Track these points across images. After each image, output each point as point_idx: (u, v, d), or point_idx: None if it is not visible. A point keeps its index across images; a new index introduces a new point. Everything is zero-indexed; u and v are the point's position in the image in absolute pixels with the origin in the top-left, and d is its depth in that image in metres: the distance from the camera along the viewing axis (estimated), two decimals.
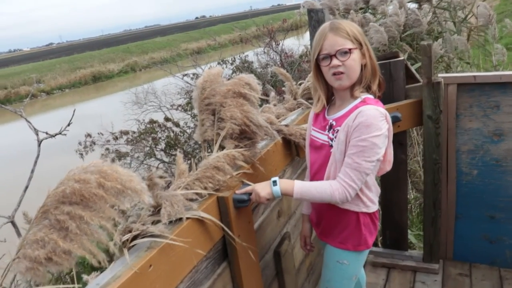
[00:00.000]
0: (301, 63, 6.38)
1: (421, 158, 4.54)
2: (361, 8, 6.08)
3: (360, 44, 1.64)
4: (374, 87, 1.69)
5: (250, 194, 1.59)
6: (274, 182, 1.62)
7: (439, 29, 5.45)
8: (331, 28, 1.63)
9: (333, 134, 1.68)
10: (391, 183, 2.78)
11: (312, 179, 1.83)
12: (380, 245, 3.21)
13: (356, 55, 1.62)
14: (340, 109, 1.70)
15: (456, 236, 2.81)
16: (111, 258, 1.16)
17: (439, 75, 2.50)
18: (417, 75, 2.58)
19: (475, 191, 2.68)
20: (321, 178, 1.72)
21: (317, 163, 1.78)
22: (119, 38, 67.60)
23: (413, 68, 2.70)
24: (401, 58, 2.55)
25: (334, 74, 1.63)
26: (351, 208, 1.71)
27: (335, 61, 1.61)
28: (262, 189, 1.59)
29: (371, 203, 1.74)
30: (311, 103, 2.58)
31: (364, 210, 1.73)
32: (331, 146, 1.68)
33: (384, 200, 2.85)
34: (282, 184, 1.62)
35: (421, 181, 4.46)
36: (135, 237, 1.23)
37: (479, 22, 5.38)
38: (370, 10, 5.90)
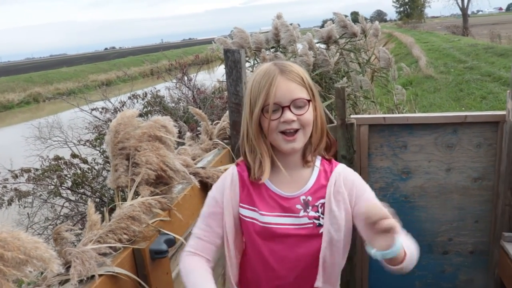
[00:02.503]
0: (214, 99, 6.39)
1: None
2: (272, 47, 6.26)
3: (313, 95, 1.32)
4: (321, 148, 1.38)
5: (169, 244, 1.50)
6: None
7: (346, 69, 5.75)
8: (281, 70, 1.27)
9: (316, 212, 1.32)
10: None
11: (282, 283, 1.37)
12: None
13: (312, 107, 1.30)
14: (299, 180, 1.35)
15: (371, 271, 2.89)
16: None
17: (352, 116, 2.60)
18: (331, 116, 2.66)
19: None
20: (307, 278, 1.35)
21: (292, 256, 1.33)
22: (20, 66, 63.85)
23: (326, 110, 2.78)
24: None
25: (284, 132, 1.27)
26: None
27: (289, 115, 1.25)
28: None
29: None
30: (227, 143, 2.56)
31: None
32: (320, 225, 1.31)
33: None
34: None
35: None
36: None
37: (380, 65, 5.76)
38: (280, 49, 6.09)
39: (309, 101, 1.28)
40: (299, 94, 1.26)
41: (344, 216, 1.31)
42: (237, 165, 1.43)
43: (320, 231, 1.31)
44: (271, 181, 1.35)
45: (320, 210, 1.32)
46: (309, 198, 1.33)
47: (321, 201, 1.32)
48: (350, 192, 1.33)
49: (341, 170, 1.37)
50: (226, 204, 1.38)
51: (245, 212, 1.37)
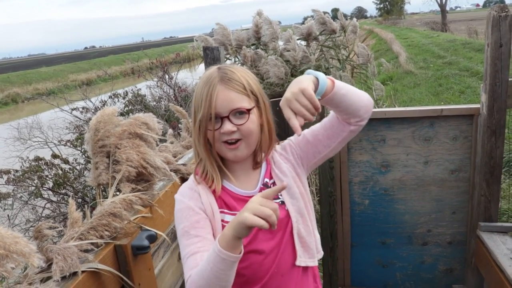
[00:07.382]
0: None
1: (315, 188, 4.71)
2: (253, 44, 6.28)
3: (257, 100, 1.28)
4: (269, 154, 1.37)
5: (151, 240, 1.51)
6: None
7: (326, 65, 5.79)
8: (221, 78, 1.23)
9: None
10: None
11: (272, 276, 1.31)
12: None
13: (254, 116, 1.26)
14: (254, 179, 1.35)
15: (353, 263, 2.94)
16: None
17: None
18: None
19: (368, 220, 2.83)
20: (285, 262, 1.32)
21: (273, 243, 1.31)
22: None
23: None
24: None
25: (227, 142, 1.25)
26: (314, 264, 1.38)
27: (228, 126, 1.22)
28: (302, 82, 1.14)
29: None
30: None
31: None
32: (283, 202, 1.32)
33: None
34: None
35: (315, 211, 4.61)
36: None
37: (359, 61, 5.83)
38: (261, 46, 6.10)
39: (249, 110, 1.25)
40: (238, 104, 1.23)
41: (293, 181, 1.34)
42: (196, 174, 1.36)
43: (286, 208, 1.31)
44: (230, 182, 1.33)
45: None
46: (267, 180, 1.35)
47: (271, 181, 1.34)
48: (290, 152, 1.37)
49: (276, 148, 1.39)
50: (210, 212, 1.29)
51: (228, 218, 1.29)
